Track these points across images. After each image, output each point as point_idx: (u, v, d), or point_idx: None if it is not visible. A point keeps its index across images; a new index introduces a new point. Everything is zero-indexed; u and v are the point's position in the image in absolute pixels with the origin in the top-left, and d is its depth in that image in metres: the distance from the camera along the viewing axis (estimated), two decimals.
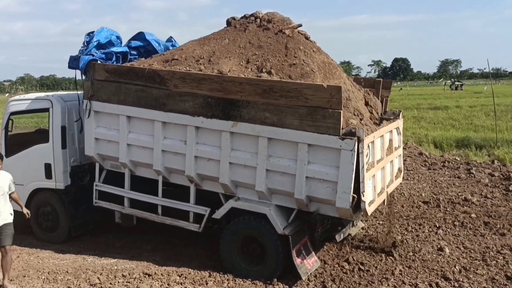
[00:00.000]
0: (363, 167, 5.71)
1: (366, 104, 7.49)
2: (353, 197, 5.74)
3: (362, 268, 6.81)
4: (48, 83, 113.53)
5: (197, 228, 7.14)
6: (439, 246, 7.51)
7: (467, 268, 6.81)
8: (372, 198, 6.20)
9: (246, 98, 6.14)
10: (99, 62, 7.54)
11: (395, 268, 6.77)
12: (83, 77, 7.68)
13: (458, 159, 14.13)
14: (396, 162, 7.58)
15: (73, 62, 7.75)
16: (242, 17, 7.77)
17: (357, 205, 5.82)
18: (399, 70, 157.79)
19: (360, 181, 5.75)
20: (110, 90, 7.32)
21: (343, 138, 5.66)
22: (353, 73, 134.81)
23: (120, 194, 7.75)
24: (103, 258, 7.54)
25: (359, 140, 5.64)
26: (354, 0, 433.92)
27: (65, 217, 8.25)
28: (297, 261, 6.29)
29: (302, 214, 6.41)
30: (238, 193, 6.66)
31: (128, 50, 8.18)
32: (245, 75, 6.50)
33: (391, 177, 7.32)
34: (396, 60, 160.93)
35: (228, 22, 7.77)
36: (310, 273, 6.54)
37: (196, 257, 7.56)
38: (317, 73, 6.60)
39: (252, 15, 7.69)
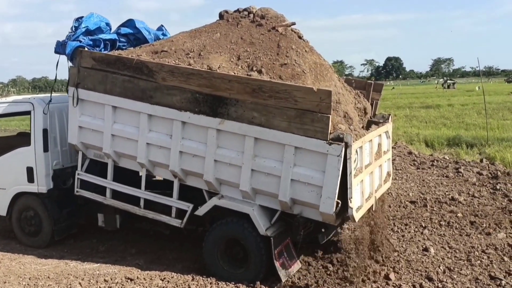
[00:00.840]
0: (350, 173, 5.64)
1: (356, 107, 7.42)
2: (337, 203, 5.67)
3: (346, 269, 6.76)
4: (40, 85, 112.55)
5: (179, 223, 7.05)
6: (424, 246, 7.48)
7: (451, 268, 6.78)
8: (360, 204, 6.13)
9: (235, 96, 6.06)
10: (86, 49, 7.33)
11: (380, 270, 6.72)
12: (69, 64, 7.51)
13: (448, 158, 14.14)
14: (385, 166, 7.50)
15: (60, 47, 7.58)
16: (235, 11, 7.63)
17: (342, 210, 5.76)
18: (392, 69, 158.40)
19: (348, 187, 5.67)
20: (97, 79, 7.16)
21: (330, 143, 5.59)
22: (346, 73, 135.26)
23: (102, 185, 7.62)
24: (85, 262, 7.42)
25: (347, 146, 5.57)
26: (344, 0, 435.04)
27: (48, 221, 8.12)
28: (278, 263, 6.22)
29: (285, 216, 6.34)
30: (222, 191, 6.58)
31: (117, 38, 7.96)
32: (235, 73, 6.40)
33: (380, 182, 7.25)
34: (389, 59, 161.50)
35: (221, 15, 7.63)
36: (292, 275, 6.47)
37: (180, 261, 7.46)
38: (308, 74, 6.52)
39: (245, 9, 7.57)
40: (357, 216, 5.96)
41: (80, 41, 7.43)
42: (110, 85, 7.04)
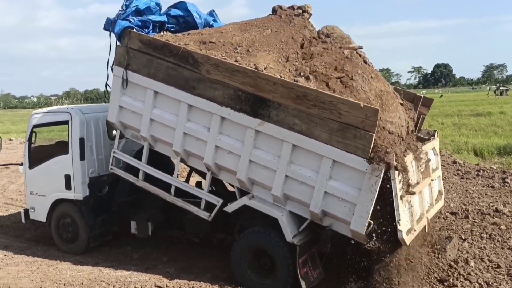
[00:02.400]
0: (396, 194, 5.43)
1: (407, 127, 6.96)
2: (369, 223, 5.49)
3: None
4: (92, 96, 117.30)
5: (207, 216, 7.01)
6: (463, 259, 7.07)
7: (490, 283, 6.37)
8: (409, 226, 5.86)
9: (278, 99, 5.92)
10: (135, 30, 7.28)
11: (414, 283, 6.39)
12: (117, 42, 7.47)
13: (494, 167, 13.45)
14: (435, 185, 7.15)
15: (109, 25, 7.58)
16: (289, 7, 7.57)
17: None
18: (440, 76, 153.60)
19: (395, 209, 5.46)
20: (142, 62, 7.10)
21: (370, 162, 5.40)
22: (393, 81, 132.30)
23: (136, 166, 7.65)
24: (118, 270, 7.52)
25: (389, 167, 5.36)
26: (393, 6, 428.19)
27: (84, 228, 8.32)
28: (302, 272, 6.05)
29: (314, 225, 6.18)
30: (254, 191, 6.47)
31: (166, 20, 7.83)
32: (281, 75, 6.26)
33: (431, 201, 6.92)
34: (437, 66, 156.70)
35: (274, 10, 7.57)
36: (313, 285, 6.29)
37: (210, 269, 7.44)
38: (373, 101, 6.28)
39: (300, 7, 7.50)
40: (407, 239, 5.70)
41: (130, 21, 7.36)
42: (154, 70, 6.94)
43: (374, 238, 5.56)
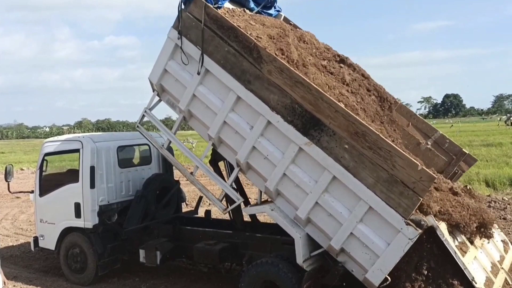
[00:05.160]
0: (455, 253, 5.33)
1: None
2: (386, 279, 5.40)
3: None
4: (103, 126, 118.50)
5: (223, 209, 6.94)
6: None
7: None
8: (485, 280, 5.73)
9: (334, 128, 5.65)
10: None
11: None
12: (182, 5, 6.70)
13: (506, 199, 13.23)
14: (495, 235, 6.82)
15: None
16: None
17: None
18: (450, 106, 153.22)
19: (463, 268, 5.32)
20: (202, 36, 6.50)
21: (408, 223, 5.27)
22: None
23: (164, 134, 7.37)
24: None
25: (434, 229, 5.32)
26: (403, 37, 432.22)
27: (92, 257, 8.27)
28: None
29: (327, 256, 6.07)
30: (277, 202, 6.29)
31: None
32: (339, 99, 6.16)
33: (500, 253, 6.75)
34: (447, 96, 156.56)
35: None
36: None
37: None
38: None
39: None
40: None
41: None
42: (212, 48, 6.42)
43: None
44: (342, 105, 6.03)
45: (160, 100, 7.31)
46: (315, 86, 5.88)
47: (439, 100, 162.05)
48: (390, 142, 5.66)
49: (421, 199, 5.26)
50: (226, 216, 7.91)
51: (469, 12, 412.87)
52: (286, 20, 8.11)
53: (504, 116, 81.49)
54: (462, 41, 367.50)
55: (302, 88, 5.83)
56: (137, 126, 7.59)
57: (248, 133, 6.24)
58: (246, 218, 7.66)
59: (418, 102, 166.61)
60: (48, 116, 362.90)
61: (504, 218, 11.33)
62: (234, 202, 6.97)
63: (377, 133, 5.58)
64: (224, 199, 7.11)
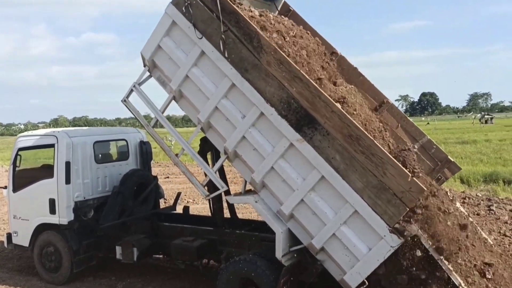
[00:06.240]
0: (440, 259, 5.36)
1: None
2: (364, 282, 5.44)
3: None
4: (80, 124, 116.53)
5: (205, 195, 6.81)
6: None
7: None
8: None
9: (329, 128, 5.56)
10: None
11: None
12: None
13: (480, 195, 13.53)
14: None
15: None
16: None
17: None
18: (427, 104, 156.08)
19: (449, 274, 5.35)
20: (201, 16, 6.22)
21: (392, 231, 5.29)
22: None
23: (152, 112, 7.04)
24: None
25: (416, 237, 5.36)
26: (380, 38, 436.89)
27: (67, 255, 8.08)
28: None
29: (307, 253, 6.04)
30: (262, 194, 6.21)
31: None
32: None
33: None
34: (423, 94, 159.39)
35: None
36: None
37: None
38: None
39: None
40: None
41: None
42: (211, 31, 6.15)
43: None
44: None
45: (150, 76, 7.00)
46: (313, 83, 5.75)
47: (416, 99, 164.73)
48: (383, 150, 5.59)
49: (408, 209, 5.27)
50: (205, 213, 7.84)
51: (447, 13, 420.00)
52: (285, 5, 8.05)
53: (479, 114, 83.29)
54: (439, 41, 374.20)
55: (300, 83, 5.70)
56: (124, 101, 7.18)
57: (239, 122, 6.10)
58: (226, 214, 7.62)
59: (396, 100, 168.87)
60: (24, 114, 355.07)
61: (478, 214, 11.56)
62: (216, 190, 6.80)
63: (372, 138, 5.54)
64: (206, 188, 6.94)
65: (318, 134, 5.63)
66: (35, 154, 9.07)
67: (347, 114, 5.67)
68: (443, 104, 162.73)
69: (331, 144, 5.55)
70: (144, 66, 6.97)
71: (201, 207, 13.03)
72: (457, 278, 5.31)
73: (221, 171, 6.98)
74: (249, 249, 6.84)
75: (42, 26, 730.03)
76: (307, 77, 5.78)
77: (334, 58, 7.83)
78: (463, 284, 5.35)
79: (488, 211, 11.71)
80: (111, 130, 10.27)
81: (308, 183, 5.71)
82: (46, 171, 8.40)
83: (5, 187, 9.03)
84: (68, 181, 8.01)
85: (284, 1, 8.10)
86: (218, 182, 6.66)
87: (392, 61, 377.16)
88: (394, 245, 5.27)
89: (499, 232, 9.90)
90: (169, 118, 8.01)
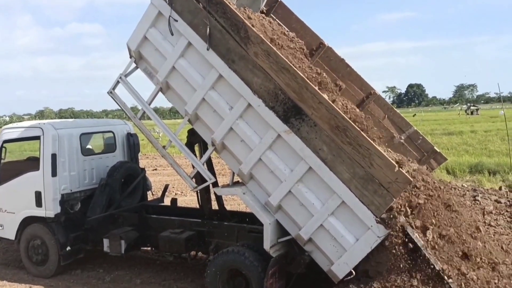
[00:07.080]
0: (426, 248, 5.34)
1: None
2: (351, 272, 5.49)
3: None
4: (66, 115, 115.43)
5: (193, 187, 6.81)
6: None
7: None
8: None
9: (316, 119, 5.56)
10: None
11: None
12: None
13: (466, 185, 13.69)
14: None
15: None
16: None
17: None
18: (414, 95, 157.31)
19: (433, 263, 5.28)
20: (188, 6, 6.14)
21: (378, 221, 5.34)
22: None
23: (138, 104, 6.93)
24: None
25: (404, 229, 5.33)
26: (368, 28, 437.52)
27: (54, 248, 8.01)
28: (268, 282, 5.90)
29: (294, 244, 6.08)
30: (249, 185, 6.21)
31: None
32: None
33: None
34: (410, 86, 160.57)
35: None
36: None
37: None
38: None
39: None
40: None
41: None
42: (198, 22, 6.08)
43: None
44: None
45: (136, 67, 6.92)
46: (301, 74, 5.73)
47: (403, 90, 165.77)
48: (370, 140, 5.61)
49: (394, 199, 5.32)
50: (193, 205, 7.83)
51: (434, 4, 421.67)
52: None
53: (465, 106, 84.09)
54: (426, 32, 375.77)
55: (288, 75, 5.67)
56: (110, 92, 7.07)
57: (227, 114, 6.08)
58: (214, 206, 7.61)
59: (383, 91, 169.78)
60: (8, 106, 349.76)
61: (464, 204, 11.68)
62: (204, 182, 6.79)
63: (359, 130, 5.55)
64: (194, 180, 6.94)
65: (305, 125, 5.63)
66: (21, 146, 8.95)
67: (334, 105, 5.68)
68: (430, 96, 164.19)
69: (318, 135, 5.57)
70: (130, 57, 6.90)
71: (189, 199, 13.00)
72: (439, 265, 5.34)
73: (209, 163, 6.97)
74: (237, 240, 6.85)
75: (27, 17, 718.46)
76: (294, 68, 5.76)
77: (314, 52, 7.85)
78: (446, 272, 5.37)
79: (473, 201, 11.84)
80: (98, 122, 10.18)
81: (295, 174, 5.72)
82: (32, 163, 8.31)
83: None
84: (54, 173, 7.93)
85: None
86: (205, 174, 6.64)
87: (379, 52, 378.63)
88: (381, 235, 5.32)
89: (484, 222, 10.03)
90: (156, 110, 7.95)
